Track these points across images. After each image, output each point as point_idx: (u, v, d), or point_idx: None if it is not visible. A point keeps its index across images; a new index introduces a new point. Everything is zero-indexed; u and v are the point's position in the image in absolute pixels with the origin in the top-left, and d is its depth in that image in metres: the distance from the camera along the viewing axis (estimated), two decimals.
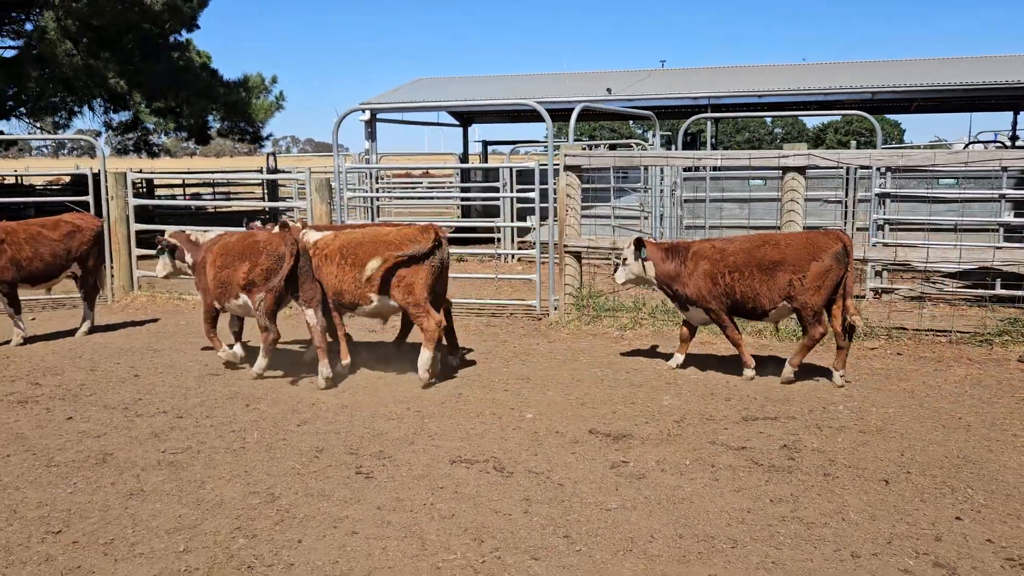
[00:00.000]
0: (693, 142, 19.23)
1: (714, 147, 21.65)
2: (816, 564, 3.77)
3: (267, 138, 22.33)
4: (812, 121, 72.38)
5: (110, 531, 4.11)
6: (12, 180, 25.75)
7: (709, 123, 17.48)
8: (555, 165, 9.59)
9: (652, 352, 7.88)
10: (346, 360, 7.01)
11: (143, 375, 7.17)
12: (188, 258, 7.50)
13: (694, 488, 4.64)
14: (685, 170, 13.46)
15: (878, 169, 10.13)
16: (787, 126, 75.58)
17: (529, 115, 22.03)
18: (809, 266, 6.52)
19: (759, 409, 6.10)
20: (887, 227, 10.65)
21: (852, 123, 63.30)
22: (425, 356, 6.67)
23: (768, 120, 73.05)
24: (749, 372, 6.90)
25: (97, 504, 4.45)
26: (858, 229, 11.08)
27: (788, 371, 6.72)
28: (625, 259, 7.28)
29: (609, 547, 3.93)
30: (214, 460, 5.11)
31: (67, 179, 25.39)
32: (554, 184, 9.41)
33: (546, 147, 10.35)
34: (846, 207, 11.72)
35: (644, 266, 7.18)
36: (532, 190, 9.87)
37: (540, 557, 3.83)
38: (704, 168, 12.95)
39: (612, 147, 20.88)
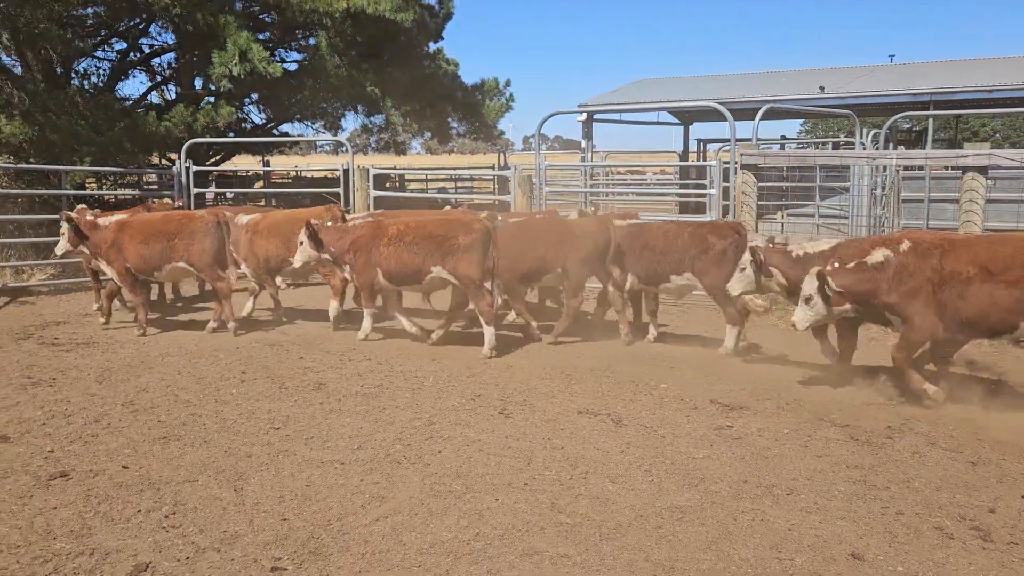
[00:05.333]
0: (917, 140, 18.25)
1: (955, 144, 20.24)
2: (858, 513, 4.29)
3: (500, 136, 24.25)
4: None
5: (311, 432, 5.58)
6: (293, 174, 30.28)
7: (931, 120, 16.56)
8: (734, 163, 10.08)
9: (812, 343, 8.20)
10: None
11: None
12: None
13: (781, 451, 5.22)
14: (905, 169, 13.11)
15: None
16: None
17: (751, 113, 21.97)
18: None
19: (892, 397, 6.36)
20: None
21: None
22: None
23: None
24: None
25: (307, 415, 5.96)
26: None
27: None
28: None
29: (678, 481, 4.71)
30: (396, 395, 6.48)
31: (339, 174, 29.35)
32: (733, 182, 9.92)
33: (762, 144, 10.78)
34: None
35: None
36: (719, 186, 10.42)
37: (617, 481, 4.70)
38: (922, 168, 12.57)
39: (835, 146, 20.29)
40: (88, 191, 16.16)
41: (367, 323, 8.35)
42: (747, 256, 6.95)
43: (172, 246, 8.58)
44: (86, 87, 17.01)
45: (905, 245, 6.04)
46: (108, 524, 4.21)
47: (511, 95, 22.91)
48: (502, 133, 27.89)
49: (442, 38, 22.15)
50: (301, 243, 8.34)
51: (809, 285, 6.19)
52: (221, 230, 8.68)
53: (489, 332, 7.70)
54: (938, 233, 6.66)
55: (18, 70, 15.73)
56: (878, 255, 6.09)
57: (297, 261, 8.47)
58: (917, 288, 5.93)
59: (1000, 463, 4.98)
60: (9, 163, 13.99)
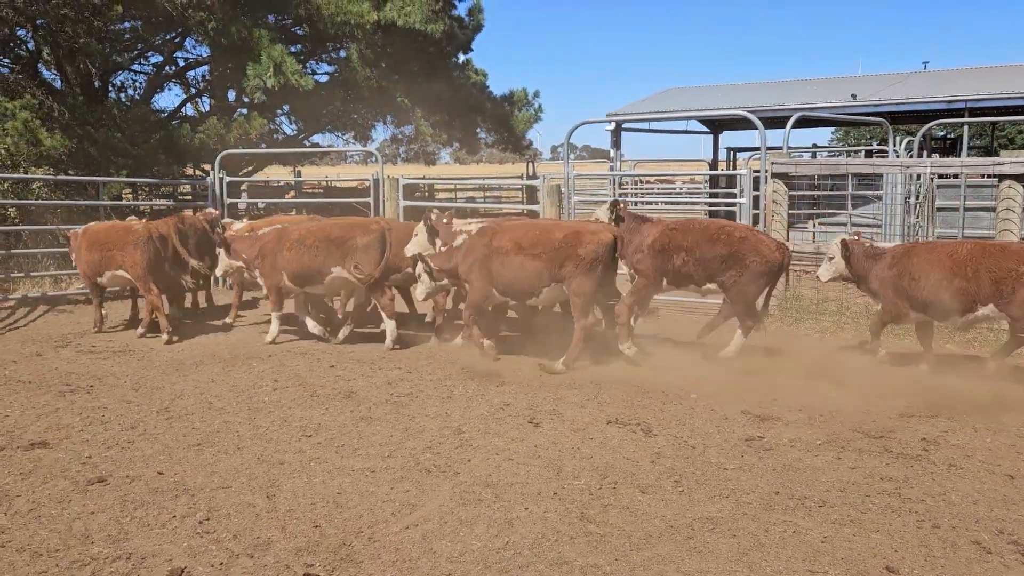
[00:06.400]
0: (952, 148, 17.98)
1: (991, 152, 19.94)
2: (893, 527, 4.23)
3: (528, 146, 24.34)
4: None
5: (342, 439, 5.63)
6: (324, 185, 30.63)
7: (966, 128, 16.29)
8: (765, 172, 10.02)
9: (842, 351, 8.13)
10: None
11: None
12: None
13: (813, 463, 5.17)
14: (940, 177, 12.97)
15: None
16: None
17: (782, 121, 21.83)
18: None
19: (926, 408, 6.29)
20: None
21: None
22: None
23: None
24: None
25: (338, 423, 6.02)
26: None
27: None
28: None
29: (709, 492, 4.68)
30: (426, 403, 6.52)
31: (368, 184, 29.71)
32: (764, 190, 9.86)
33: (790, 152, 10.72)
34: None
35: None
36: (745, 195, 10.37)
37: (647, 492, 4.69)
38: (958, 176, 12.44)
39: (868, 154, 20.07)
40: (125, 202, 16.46)
41: (275, 326, 8.87)
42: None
43: (110, 256, 9.25)
44: (123, 100, 17.38)
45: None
46: (144, 529, 4.28)
47: (540, 106, 22.96)
48: (531, 143, 27.96)
49: (471, 49, 22.30)
50: (218, 252, 9.09)
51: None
52: (154, 243, 9.19)
53: (391, 325, 8.43)
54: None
55: (58, 84, 16.13)
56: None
57: (218, 271, 9.28)
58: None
59: None
60: (49, 174, 14.31)
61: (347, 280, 8.48)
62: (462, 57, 23.07)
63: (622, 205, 8.68)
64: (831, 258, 7.67)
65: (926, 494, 4.65)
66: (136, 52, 17.89)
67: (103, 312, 9.84)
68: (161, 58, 18.69)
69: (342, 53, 20.59)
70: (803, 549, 4.00)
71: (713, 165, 22.37)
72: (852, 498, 4.59)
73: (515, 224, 8.35)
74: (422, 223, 8.73)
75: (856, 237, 7.77)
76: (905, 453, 5.30)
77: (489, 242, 7.75)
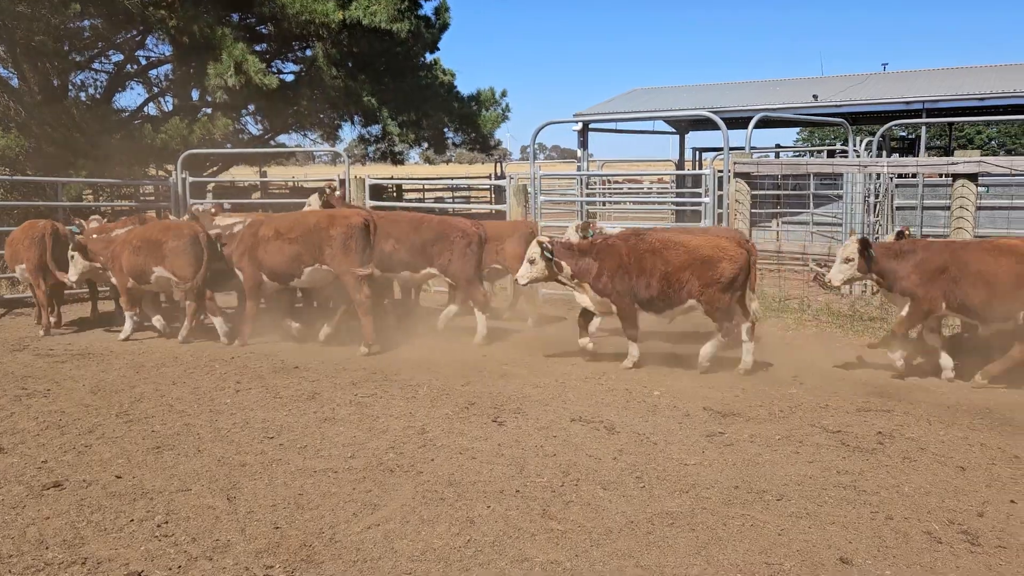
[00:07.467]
0: (911, 147, 18.34)
1: (949, 152, 20.34)
2: (848, 518, 4.31)
3: (496, 146, 24.35)
4: None
5: (304, 440, 5.60)
6: (291, 185, 30.35)
7: (923, 128, 16.63)
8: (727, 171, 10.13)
9: (804, 349, 8.25)
10: None
11: (357, 345, 8.82)
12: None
13: (773, 457, 5.25)
14: (900, 177, 13.22)
15: None
16: None
17: (745, 122, 22.09)
18: None
19: (882, 403, 6.42)
20: None
21: None
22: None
23: None
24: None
25: (301, 424, 5.98)
26: None
27: None
28: None
29: (670, 488, 4.73)
30: (390, 404, 6.50)
31: (334, 184, 29.59)
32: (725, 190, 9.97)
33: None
34: None
35: None
36: (709, 194, 10.48)
37: (609, 488, 4.73)
38: (915, 176, 12.68)
39: (830, 154, 20.37)
40: (85, 203, 16.19)
41: (128, 325, 9.10)
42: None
43: (15, 252, 9.65)
44: (83, 99, 17.07)
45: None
46: (101, 533, 4.22)
47: (507, 105, 22.98)
48: (499, 143, 27.96)
49: (438, 49, 22.25)
50: (72, 256, 9.08)
51: None
52: (45, 242, 9.44)
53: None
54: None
55: (15, 83, 15.80)
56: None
57: (72, 274, 9.18)
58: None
59: (990, 468, 5.01)
60: (5, 175, 14.02)
61: (167, 279, 8.84)
62: (429, 57, 22.99)
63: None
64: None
65: (880, 486, 4.75)
66: (96, 50, 17.58)
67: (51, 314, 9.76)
68: (122, 56, 18.39)
69: (308, 52, 20.41)
70: (760, 542, 4.06)
71: (680, 165, 22.55)
72: (809, 491, 4.67)
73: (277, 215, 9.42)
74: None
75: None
76: (861, 447, 5.40)
77: (255, 232, 8.66)
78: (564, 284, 7.81)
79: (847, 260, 7.22)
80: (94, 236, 9.35)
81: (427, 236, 8.92)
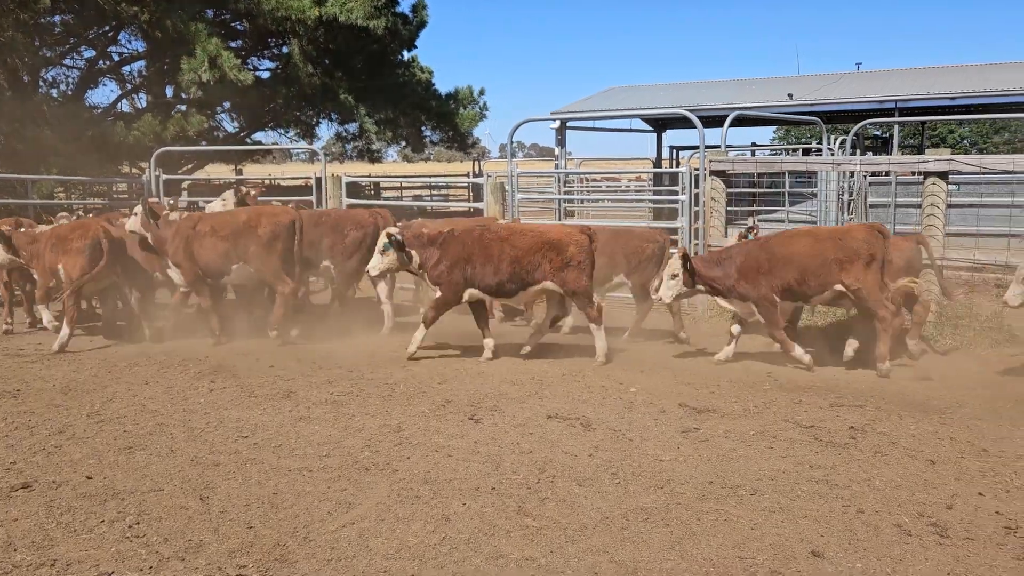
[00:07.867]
0: (885, 146, 18.57)
1: (921, 150, 20.62)
2: (820, 512, 4.35)
3: (474, 144, 24.32)
4: None
5: (279, 440, 5.56)
6: (268, 183, 30.18)
7: (896, 127, 16.85)
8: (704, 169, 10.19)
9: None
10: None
11: (333, 343, 8.78)
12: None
13: (747, 452, 5.29)
14: (874, 175, 13.36)
15: None
16: None
17: (721, 120, 22.26)
18: None
19: (854, 399, 6.49)
20: None
21: None
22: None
23: None
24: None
25: (276, 423, 5.94)
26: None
27: None
28: None
29: (645, 483, 4.75)
30: (366, 402, 6.47)
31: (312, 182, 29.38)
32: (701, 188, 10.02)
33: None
34: None
35: None
36: (686, 192, 10.53)
37: (584, 484, 4.74)
38: (888, 174, 12.82)
39: (806, 152, 20.58)
40: (56, 201, 15.97)
41: (46, 315, 9.04)
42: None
43: None
44: (54, 96, 16.84)
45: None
46: (70, 535, 4.17)
47: (485, 103, 22.99)
48: (476, 141, 27.93)
49: (415, 46, 22.21)
50: None
51: None
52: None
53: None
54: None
55: None
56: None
57: None
58: None
59: (959, 461, 5.08)
60: None
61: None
62: (407, 54, 22.91)
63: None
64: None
65: (852, 480, 4.80)
66: (68, 46, 17.36)
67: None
68: (94, 52, 18.17)
69: (284, 49, 20.24)
70: (733, 536, 4.10)
71: (657, 163, 22.66)
72: (782, 485, 4.71)
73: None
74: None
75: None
76: (834, 441, 5.46)
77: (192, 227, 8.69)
78: (414, 274, 8.11)
79: (673, 276, 7.31)
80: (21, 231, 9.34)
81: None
